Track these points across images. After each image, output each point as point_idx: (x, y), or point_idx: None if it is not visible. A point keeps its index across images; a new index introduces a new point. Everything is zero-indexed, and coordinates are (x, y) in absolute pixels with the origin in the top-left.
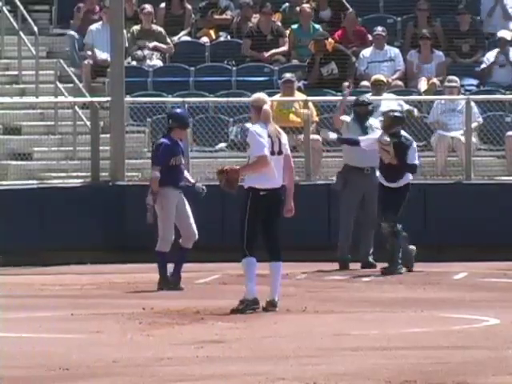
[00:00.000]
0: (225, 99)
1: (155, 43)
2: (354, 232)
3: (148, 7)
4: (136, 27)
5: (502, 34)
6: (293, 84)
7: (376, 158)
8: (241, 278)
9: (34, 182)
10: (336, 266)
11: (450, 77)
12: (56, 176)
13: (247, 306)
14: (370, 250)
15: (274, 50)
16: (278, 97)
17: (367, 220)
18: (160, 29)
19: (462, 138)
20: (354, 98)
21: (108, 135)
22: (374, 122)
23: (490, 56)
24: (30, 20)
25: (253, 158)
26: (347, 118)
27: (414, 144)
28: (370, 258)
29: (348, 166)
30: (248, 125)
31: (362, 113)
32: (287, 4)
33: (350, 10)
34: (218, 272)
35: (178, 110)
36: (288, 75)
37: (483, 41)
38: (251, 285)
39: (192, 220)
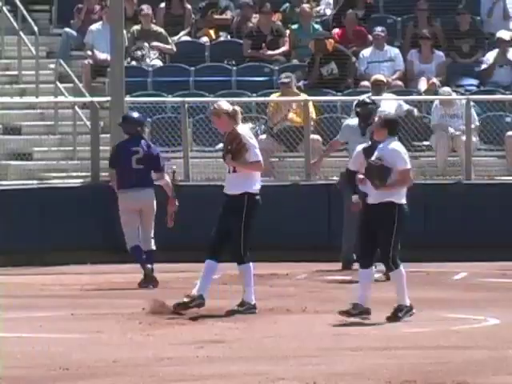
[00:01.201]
0: (224, 99)
1: (156, 43)
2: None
3: (146, 9)
4: (136, 27)
5: (501, 34)
6: (287, 85)
7: None
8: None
9: (34, 181)
10: (337, 265)
11: (442, 89)
12: (56, 176)
13: (248, 309)
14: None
15: (273, 52)
16: (276, 96)
17: None
18: (160, 29)
19: (462, 137)
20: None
21: (108, 135)
22: None
23: (490, 56)
24: (30, 20)
25: (248, 163)
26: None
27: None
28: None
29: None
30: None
31: (364, 113)
32: (287, 4)
33: (350, 10)
34: (218, 272)
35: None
36: (283, 76)
37: (483, 41)
38: (252, 289)
39: None
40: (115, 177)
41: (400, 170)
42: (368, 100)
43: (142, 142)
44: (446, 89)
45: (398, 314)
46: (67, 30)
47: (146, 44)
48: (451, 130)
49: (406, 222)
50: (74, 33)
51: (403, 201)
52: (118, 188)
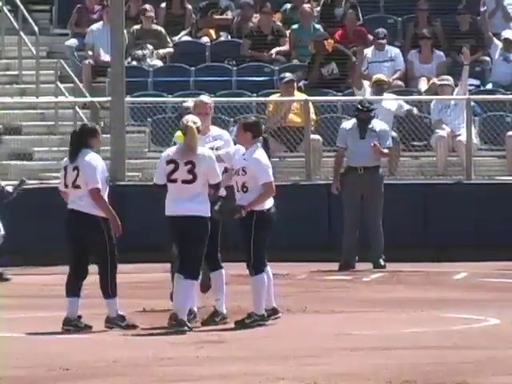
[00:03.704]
0: (225, 99)
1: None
2: (363, 234)
3: (149, 9)
4: (136, 27)
5: (507, 34)
6: (294, 84)
7: (371, 159)
8: (240, 279)
9: (34, 181)
10: (337, 265)
11: (442, 77)
12: (56, 176)
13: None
14: (381, 251)
15: (276, 48)
16: (276, 96)
17: (371, 222)
18: (160, 29)
19: (463, 139)
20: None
21: (108, 135)
22: (377, 123)
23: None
24: (30, 20)
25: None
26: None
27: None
28: (381, 260)
29: (347, 166)
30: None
31: (364, 118)
32: (288, 4)
33: (350, 10)
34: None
35: None
36: (289, 75)
37: (483, 41)
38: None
39: None
40: None
41: (263, 184)
42: (369, 106)
43: None
44: (446, 77)
45: (246, 320)
46: (69, 43)
47: (150, 46)
48: (448, 128)
49: (270, 226)
50: (75, 43)
51: (266, 206)
52: None
